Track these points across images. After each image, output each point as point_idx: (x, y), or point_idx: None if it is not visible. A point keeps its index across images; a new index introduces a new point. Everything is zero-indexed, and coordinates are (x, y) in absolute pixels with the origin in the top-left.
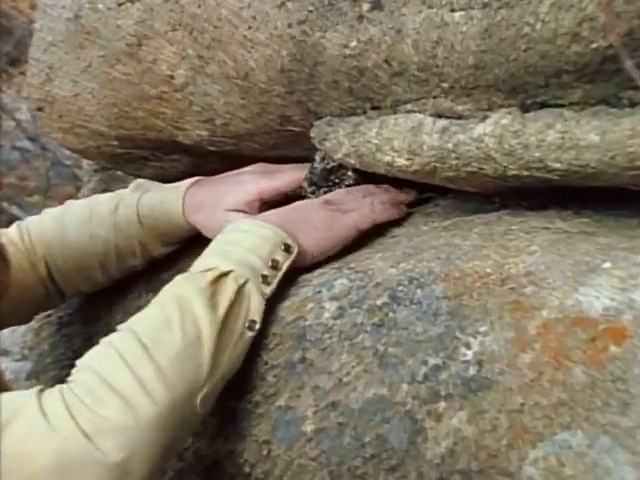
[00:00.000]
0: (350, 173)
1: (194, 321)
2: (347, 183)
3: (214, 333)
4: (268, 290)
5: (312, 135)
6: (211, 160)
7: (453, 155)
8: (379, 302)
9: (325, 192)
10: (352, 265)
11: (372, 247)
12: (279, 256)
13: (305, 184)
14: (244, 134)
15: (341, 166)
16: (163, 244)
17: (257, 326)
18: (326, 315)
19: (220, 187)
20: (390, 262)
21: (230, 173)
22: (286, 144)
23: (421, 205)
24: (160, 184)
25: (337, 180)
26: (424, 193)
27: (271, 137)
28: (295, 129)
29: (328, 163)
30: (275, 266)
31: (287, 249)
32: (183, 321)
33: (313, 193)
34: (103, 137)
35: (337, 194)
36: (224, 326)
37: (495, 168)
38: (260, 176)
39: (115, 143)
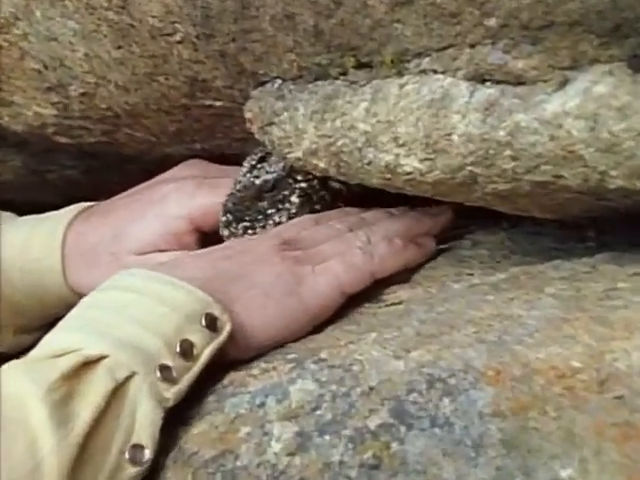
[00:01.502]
0: (294, 199)
1: (29, 443)
2: (289, 213)
3: (64, 466)
4: (171, 394)
5: (247, 116)
6: (64, 162)
7: (507, 152)
8: (373, 423)
9: (246, 230)
10: (323, 354)
11: (359, 320)
12: (196, 336)
13: (220, 214)
14: (122, 113)
15: (286, 182)
16: (19, 331)
17: (147, 456)
18: (274, 449)
19: (123, 215)
20: (393, 348)
21: (142, 186)
22: (202, 133)
23: (451, 242)
24: (12, 216)
25: (272, 209)
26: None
27: (172, 119)
28: (216, 104)
29: (260, 175)
30: (188, 353)
31: (212, 325)
32: (10, 443)
33: (228, 228)
34: None
35: (301, 226)
36: (84, 454)
37: (585, 175)
38: (194, 186)
39: None
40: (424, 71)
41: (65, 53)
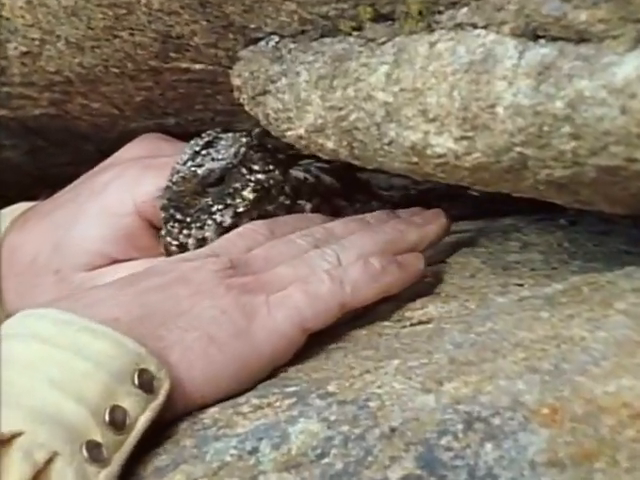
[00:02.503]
0: (248, 194)
1: None
2: (235, 211)
3: None
4: (103, 477)
5: (235, 82)
6: (1, 141)
7: (566, 128)
8: (395, 475)
9: (181, 231)
10: (331, 386)
11: (378, 343)
12: (128, 401)
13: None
14: (75, 78)
15: (238, 172)
16: None
17: None
18: None
19: (61, 217)
20: (420, 379)
21: (86, 175)
22: (176, 104)
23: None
24: None
25: (219, 205)
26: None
27: (139, 87)
28: (194, 67)
29: (204, 163)
30: (119, 423)
31: (146, 384)
32: None
33: (166, 226)
34: None
35: (250, 239)
36: None
37: None
38: (138, 170)
39: None
40: (460, 25)
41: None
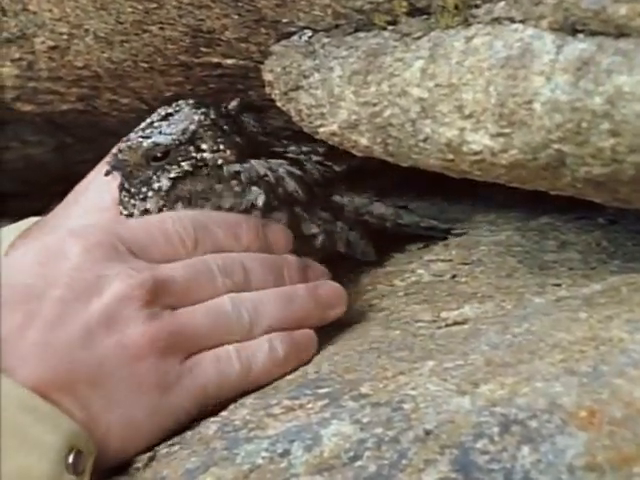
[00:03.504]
0: (184, 165)
1: None
2: (170, 176)
3: None
4: None
5: (267, 77)
6: (26, 137)
7: (605, 125)
8: (430, 478)
9: (130, 200)
10: (365, 388)
11: (412, 343)
12: None
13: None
14: (104, 73)
15: (185, 149)
16: None
17: None
18: None
19: (50, 226)
20: (456, 381)
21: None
22: (207, 100)
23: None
24: None
25: (156, 182)
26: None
27: (169, 82)
28: (226, 62)
29: (152, 135)
30: None
31: (78, 466)
32: None
33: (121, 193)
34: None
35: (172, 251)
36: None
37: None
38: None
39: None
40: (497, 19)
41: None
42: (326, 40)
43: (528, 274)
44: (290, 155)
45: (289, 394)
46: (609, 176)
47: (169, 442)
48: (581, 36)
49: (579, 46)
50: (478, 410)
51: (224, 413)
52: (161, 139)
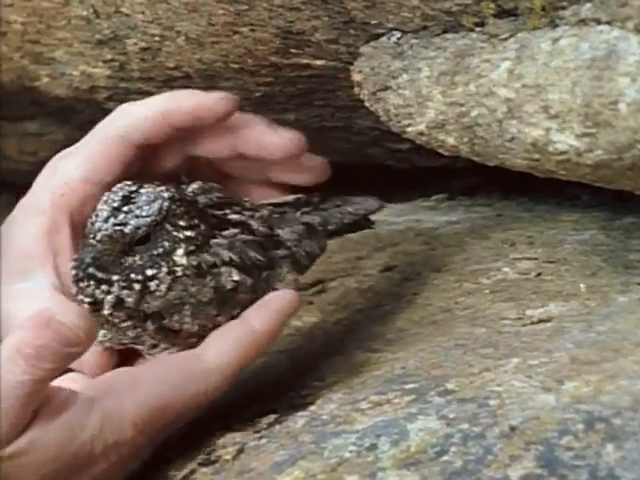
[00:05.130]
0: (180, 257)
1: None
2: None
3: None
4: None
5: (356, 78)
6: None
7: None
8: (516, 474)
9: (98, 287)
10: (451, 384)
11: (497, 341)
12: None
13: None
14: (194, 74)
15: (164, 229)
16: None
17: None
18: None
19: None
20: (541, 378)
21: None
22: (296, 100)
23: None
24: None
25: (152, 268)
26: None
27: (259, 82)
28: (315, 62)
29: (128, 221)
30: None
31: None
32: None
33: (78, 285)
34: None
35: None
36: None
37: None
38: (57, 159)
39: None
40: (584, 21)
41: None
42: (414, 41)
43: (612, 273)
44: (235, 220)
45: (376, 389)
46: None
47: (257, 435)
48: None
49: None
50: (563, 407)
51: (312, 407)
52: (140, 222)
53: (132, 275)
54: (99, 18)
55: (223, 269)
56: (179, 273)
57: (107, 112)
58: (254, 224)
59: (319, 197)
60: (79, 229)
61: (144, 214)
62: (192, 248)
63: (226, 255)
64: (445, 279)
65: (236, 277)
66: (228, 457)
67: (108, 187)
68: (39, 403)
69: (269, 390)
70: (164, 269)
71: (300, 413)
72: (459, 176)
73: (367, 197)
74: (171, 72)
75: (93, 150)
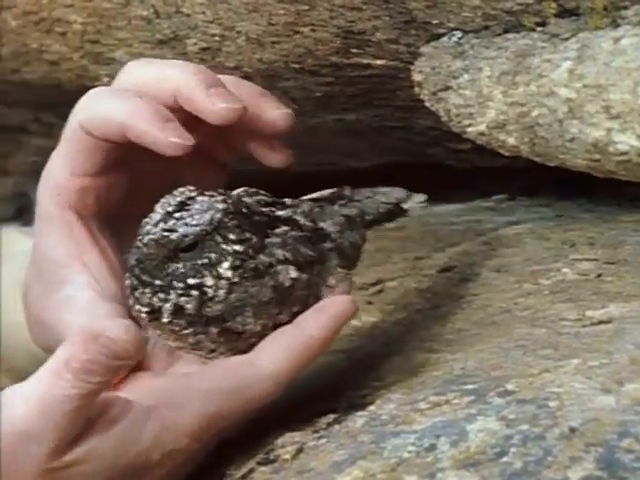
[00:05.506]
0: (226, 270)
1: None
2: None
3: None
4: None
5: (416, 78)
6: None
7: None
8: (576, 475)
9: (153, 296)
10: (510, 385)
11: (557, 342)
12: None
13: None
14: (254, 74)
15: (212, 241)
16: None
17: None
18: None
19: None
20: (601, 379)
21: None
22: (356, 100)
23: None
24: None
25: (194, 277)
26: None
27: (319, 82)
28: (375, 62)
29: (177, 228)
30: None
31: None
32: None
33: (133, 294)
34: None
35: None
36: None
37: None
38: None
39: None
40: None
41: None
42: (475, 41)
43: None
44: (283, 216)
45: (435, 390)
46: None
47: (317, 435)
48: None
49: None
50: (623, 409)
51: (371, 407)
52: (189, 230)
53: (175, 282)
54: (159, 18)
55: (280, 267)
56: (224, 290)
57: None
58: (300, 219)
59: (350, 190)
60: (92, 218)
61: (194, 223)
62: (237, 263)
63: (280, 254)
64: (504, 280)
65: (293, 274)
66: (287, 456)
67: (100, 175)
68: (90, 414)
69: (328, 390)
70: (208, 280)
71: (359, 413)
72: (519, 176)
73: (393, 187)
74: (231, 72)
75: (72, 143)
